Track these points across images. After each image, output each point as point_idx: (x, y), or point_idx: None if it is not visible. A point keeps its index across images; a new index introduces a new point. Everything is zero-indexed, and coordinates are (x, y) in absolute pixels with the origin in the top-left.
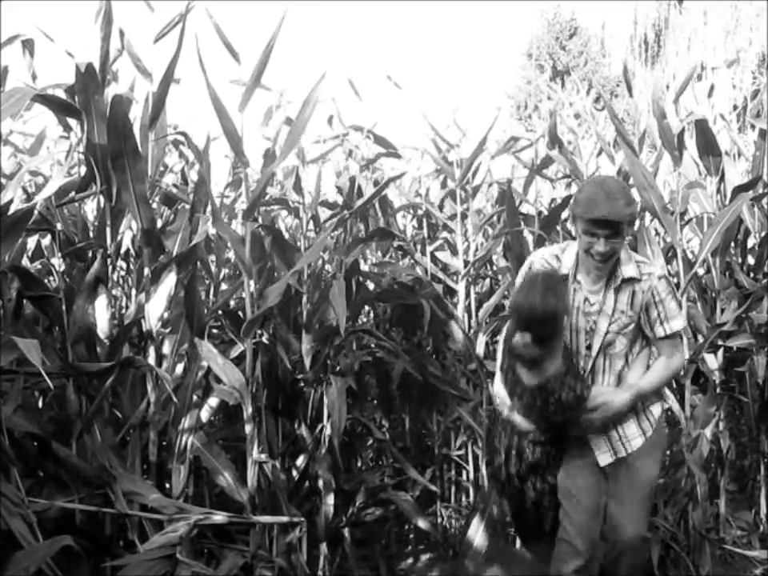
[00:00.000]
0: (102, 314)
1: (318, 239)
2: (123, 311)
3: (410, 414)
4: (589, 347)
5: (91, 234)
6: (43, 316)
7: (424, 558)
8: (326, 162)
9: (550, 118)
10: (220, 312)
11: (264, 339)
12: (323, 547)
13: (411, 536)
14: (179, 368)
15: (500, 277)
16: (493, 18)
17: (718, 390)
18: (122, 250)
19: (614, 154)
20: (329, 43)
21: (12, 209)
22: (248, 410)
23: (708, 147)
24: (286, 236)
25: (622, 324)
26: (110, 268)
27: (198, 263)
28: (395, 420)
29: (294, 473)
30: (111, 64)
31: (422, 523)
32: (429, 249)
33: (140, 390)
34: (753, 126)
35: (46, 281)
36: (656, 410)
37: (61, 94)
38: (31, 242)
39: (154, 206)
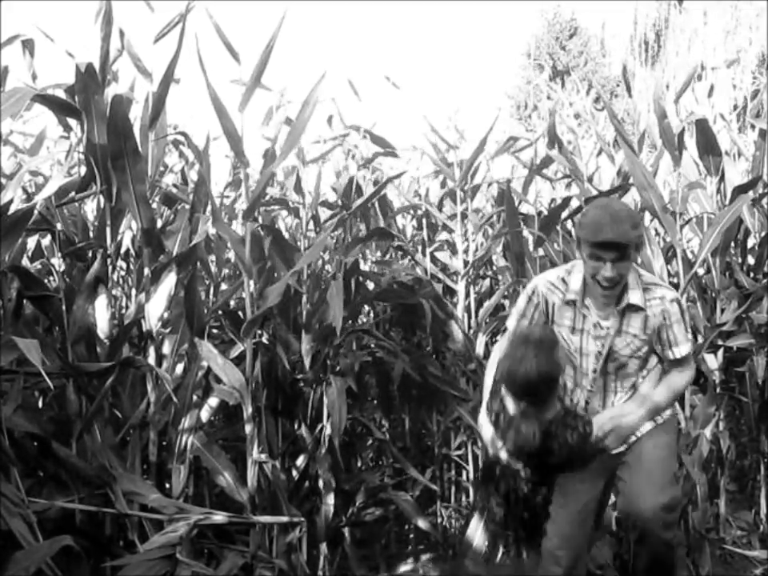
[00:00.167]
0: (101, 314)
1: (318, 239)
2: (123, 311)
3: (409, 413)
4: (597, 370)
5: (91, 234)
6: (43, 316)
7: (424, 557)
8: (325, 162)
9: (549, 118)
10: (220, 312)
11: (264, 339)
12: (323, 547)
13: (411, 536)
14: (179, 368)
15: (500, 277)
16: (493, 18)
17: (717, 390)
18: (122, 250)
19: (613, 153)
20: (329, 43)
21: (12, 209)
22: (248, 410)
23: (708, 147)
24: (286, 236)
25: (634, 347)
26: (110, 268)
27: (198, 263)
28: (395, 420)
29: (294, 473)
30: (111, 64)
31: (422, 523)
32: (428, 249)
33: (140, 390)
34: (753, 126)
35: (46, 281)
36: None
37: (61, 94)
38: (31, 242)
39: (154, 206)
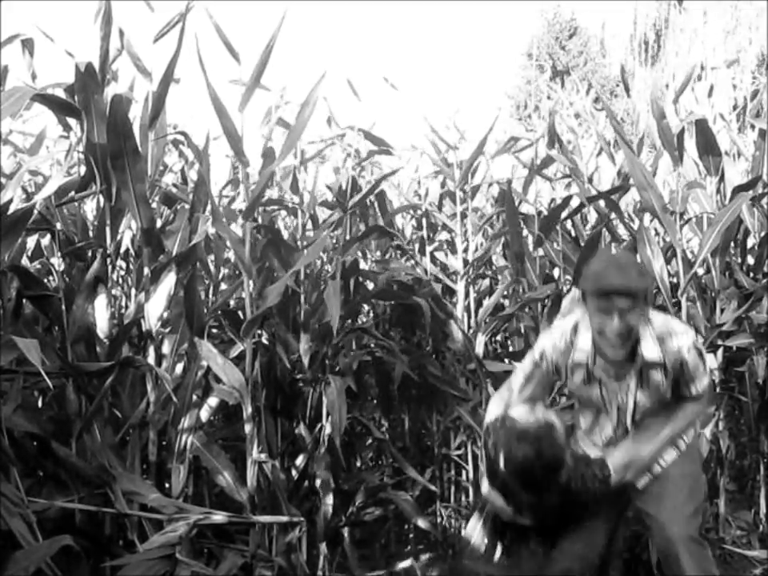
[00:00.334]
0: (101, 314)
1: (317, 239)
2: (123, 311)
3: (409, 413)
4: (619, 424)
5: (91, 234)
6: (43, 316)
7: (424, 557)
8: (324, 163)
9: (549, 118)
10: (219, 312)
11: (263, 339)
12: (323, 547)
13: (411, 536)
14: (179, 368)
15: (499, 276)
16: (493, 18)
17: (717, 390)
18: (122, 250)
19: (614, 153)
20: (328, 43)
21: (12, 208)
22: (247, 410)
23: (708, 147)
24: (285, 236)
25: (656, 398)
26: (110, 268)
27: (198, 263)
28: (395, 420)
29: (294, 472)
30: (111, 63)
31: (422, 523)
32: (428, 249)
33: (140, 390)
34: (752, 126)
35: (45, 280)
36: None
37: (60, 93)
38: (31, 242)
39: (154, 205)
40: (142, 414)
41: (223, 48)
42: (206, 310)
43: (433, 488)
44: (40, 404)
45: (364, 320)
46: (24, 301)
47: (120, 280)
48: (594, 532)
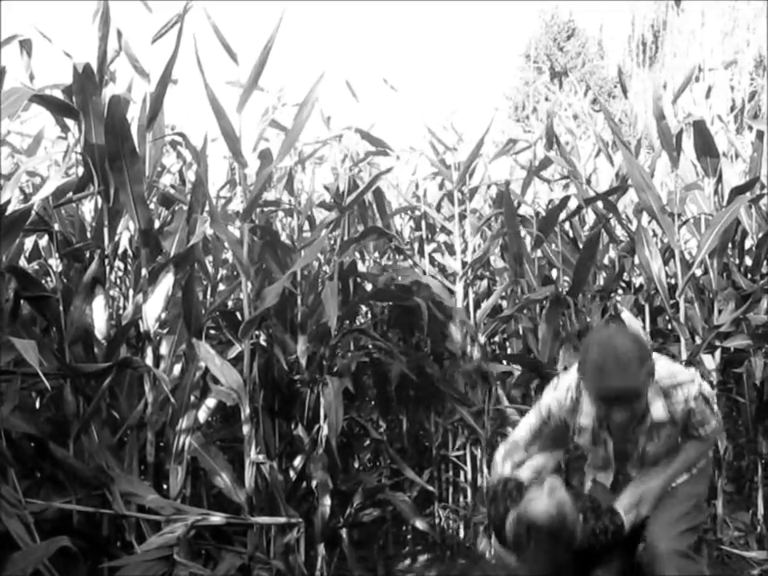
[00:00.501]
0: (99, 315)
1: (314, 240)
2: (121, 312)
3: (407, 414)
4: (629, 472)
5: (89, 235)
6: (40, 317)
7: (422, 558)
8: (322, 164)
9: (547, 119)
10: (217, 313)
11: (261, 340)
12: (321, 548)
13: (409, 537)
14: (177, 369)
15: (497, 278)
16: (491, 19)
17: (715, 391)
18: (120, 251)
19: (612, 154)
20: (326, 44)
21: (9, 209)
22: (245, 411)
23: (706, 148)
24: (283, 237)
25: (664, 447)
26: (108, 269)
27: (196, 264)
28: (393, 421)
29: (292, 474)
30: (109, 64)
31: (420, 524)
32: (427, 250)
33: (137, 391)
34: (750, 128)
35: (43, 281)
36: None
37: (58, 94)
38: (29, 243)
39: (152, 206)
40: (140, 415)
41: (221, 49)
42: (203, 311)
43: (431, 489)
44: (38, 405)
45: (362, 321)
46: (22, 302)
47: (118, 281)
48: None
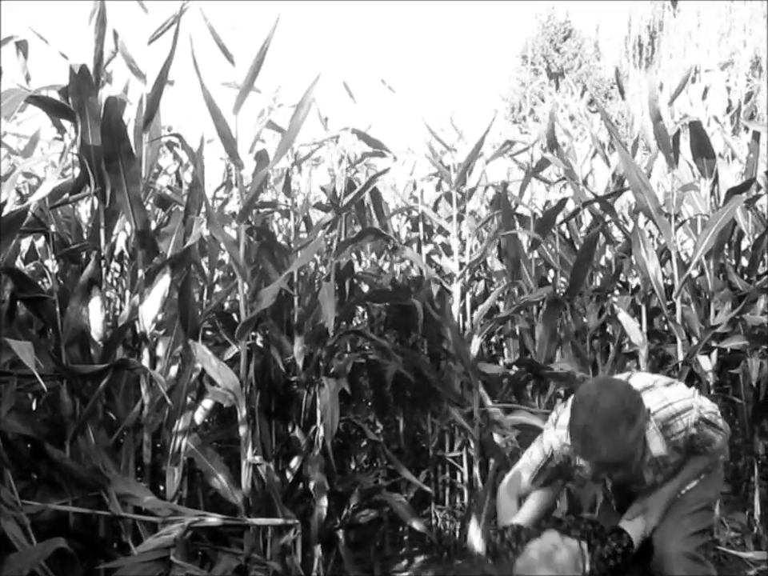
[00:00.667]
0: (95, 316)
1: (311, 241)
2: (117, 313)
3: (404, 415)
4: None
5: (85, 236)
6: (37, 318)
7: (418, 559)
8: (318, 165)
9: (548, 121)
10: (214, 314)
11: (258, 341)
12: (317, 549)
13: (406, 538)
14: (173, 370)
15: (494, 279)
16: (487, 20)
17: (711, 392)
18: (116, 252)
19: (608, 156)
20: (323, 45)
21: (6, 210)
22: (242, 412)
23: (702, 149)
24: (280, 238)
25: (668, 472)
26: (104, 270)
27: (192, 265)
28: (389, 422)
29: (288, 475)
30: (105, 65)
31: (417, 525)
32: (424, 251)
33: (134, 392)
34: (746, 129)
35: (39, 282)
36: None
37: (55, 95)
38: (25, 244)
39: (148, 207)
40: (137, 416)
41: (218, 50)
42: (200, 313)
43: (428, 489)
44: (34, 406)
45: (358, 322)
46: (18, 303)
47: (114, 282)
48: None
